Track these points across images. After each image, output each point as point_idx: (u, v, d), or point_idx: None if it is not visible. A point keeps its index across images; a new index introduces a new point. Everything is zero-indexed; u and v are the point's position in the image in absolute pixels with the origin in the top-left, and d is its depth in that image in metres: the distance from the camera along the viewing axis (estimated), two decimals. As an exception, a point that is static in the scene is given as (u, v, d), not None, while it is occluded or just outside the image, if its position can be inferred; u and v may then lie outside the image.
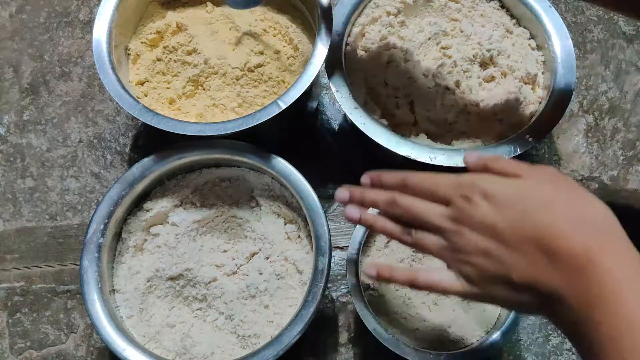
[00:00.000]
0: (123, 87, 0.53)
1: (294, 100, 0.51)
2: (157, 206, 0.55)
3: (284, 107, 0.51)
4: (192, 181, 0.57)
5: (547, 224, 0.34)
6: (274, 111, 0.51)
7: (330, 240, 0.50)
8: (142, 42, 0.59)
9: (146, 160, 0.54)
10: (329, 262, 0.50)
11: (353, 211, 0.43)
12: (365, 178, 0.44)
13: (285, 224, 0.56)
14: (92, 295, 0.50)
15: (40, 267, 0.62)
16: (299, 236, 0.55)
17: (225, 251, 0.56)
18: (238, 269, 0.55)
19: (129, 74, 0.58)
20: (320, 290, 0.49)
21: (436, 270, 0.40)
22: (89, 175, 0.65)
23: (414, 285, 0.40)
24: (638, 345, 0.30)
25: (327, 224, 0.51)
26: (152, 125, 0.51)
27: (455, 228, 0.38)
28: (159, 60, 0.58)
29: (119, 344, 0.49)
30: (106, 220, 0.52)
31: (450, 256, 0.38)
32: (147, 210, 0.55)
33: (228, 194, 0.57)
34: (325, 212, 0.51)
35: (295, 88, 0.52)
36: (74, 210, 0.64)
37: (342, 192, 0.44)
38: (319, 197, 0.52)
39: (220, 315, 0.53)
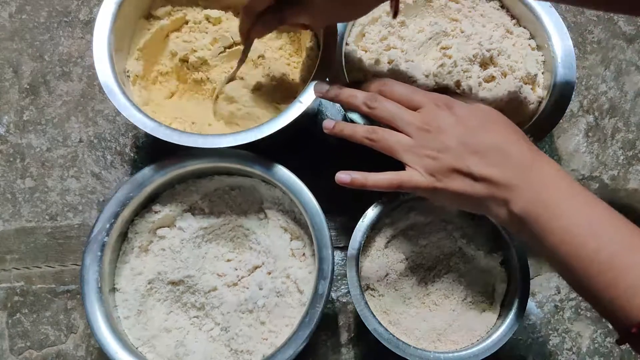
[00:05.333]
0: (136, 107, 0.51)
1: (299, 113, 0.51)
2: (165, 209, 0.55)
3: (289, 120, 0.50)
4: (202, 187, 0.56)
5: (501, 134, 0.43)
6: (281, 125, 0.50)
7: (333, 263, 0.50)
8: (136, 59, 0.57)
9: (158, 163, 0.54)
10: (330, 286, 0.49)
11: (329, 122, 0.49)
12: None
13: (291, 240, 0.55)
14: (90, 295, 0.50)
15: (40, 268, 0.62)
16: (303, 254, 0.55)
17: (228, 260, 0.56)
18: (239, 280, 0.54)
19: (133, 96, 0.56)
20: (318, 314, 0.48)
21: (404, 172, 0.45)
22: (89, 175, 0.65)
23: (391, 187, 0.45)
24: (576, 215, 0.39)
25: (332, 247, 0.50)
26: (172, 142, 0.50)
27: (426, 126, 0.44)
28: (161, 74, 0.59)
29: (112, 346, 0.49)
30: (112, 220, 0.52)
31: (415, 152, 0.44)
32: (155, 212, 0.55)
33: (237, 202, 0.57)
34: (331, 237, 0.50)
35: (288, 114, 0.51)
36: (74, 210, 0.64)
37: (320, 85, 0.49)
38: (320, 203, 0.51)
39: (216, 326, 0.53)
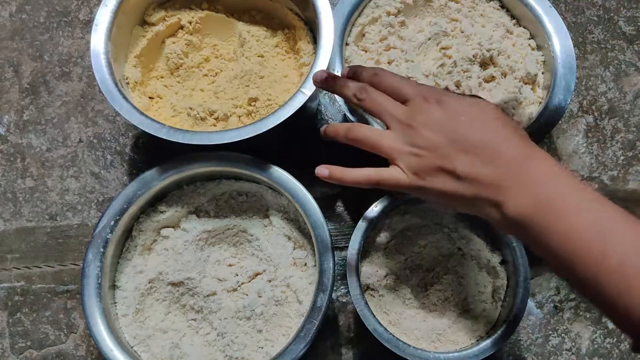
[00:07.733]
0: (142, 113, 0.51)
1: (302, 103, 0.50)
2: (171, 209, 0.55)
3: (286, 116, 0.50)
4: (210, 190, 0.56)
5: (492, 130, 0.40)
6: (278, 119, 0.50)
7: (334, 277, 0.49)
8: (133, 66, 0.57)
9: (167, 163, 0.53)
10: (329, 300, 0.49)
11: (323, 128, 0.48)
12: (345, 70, 0.49)
13: (294, 249, 0.55)
14: (89, 290, 0.50)
15: (40, 267, 0.62)
16: (305, 264, 0.54)
17: (230, 265, 0.55)
18: (239, 286, 0.54)
19: (134, 102, 0.56)
20: (314, 328, 0.47)
21: (385, 169, 0.43)
22: (89, 175, 0.65)
23: (369, 183, 0.43)
24: (570, 212, 0.36)
25: (334, 260, 0.50)
26: (184, 142, 0.50)
27: (409, 121, 0.42)
28: (161, 77, 0.59)
29: (108, 343, 0.49)
30: (118, 217, 0.52)
31: (398, 148, 0.42)
32: (161, 212, 0.55)
33: (243, 208, 0.57)
34: (333, 250, 0.50)
35: (290, 104, 0.51)
36: (74, 210, 0.64)
37: (319, 74, 0.48)
38: (319, 204, 0.51)
39: (212, 331, 0.53)
